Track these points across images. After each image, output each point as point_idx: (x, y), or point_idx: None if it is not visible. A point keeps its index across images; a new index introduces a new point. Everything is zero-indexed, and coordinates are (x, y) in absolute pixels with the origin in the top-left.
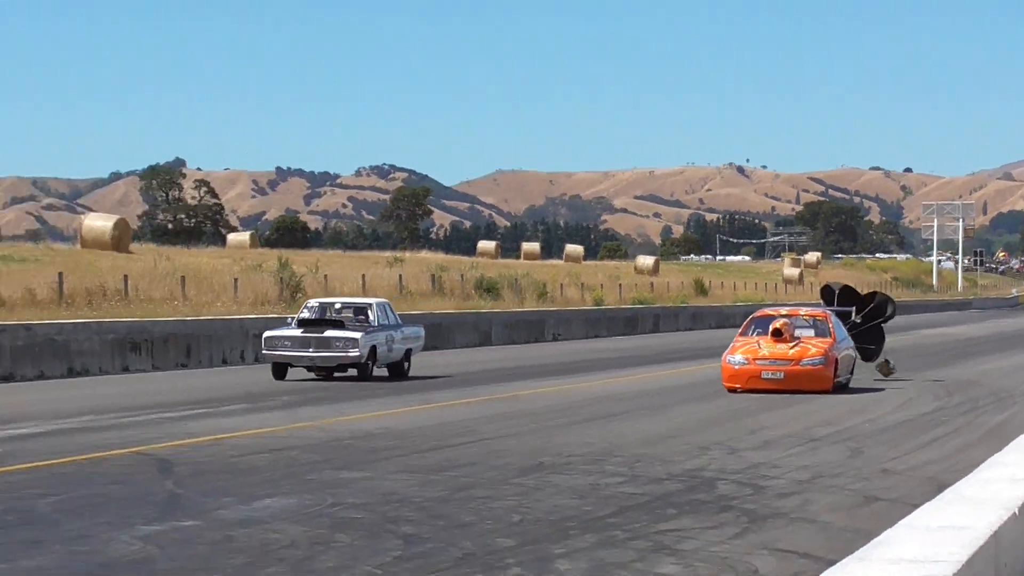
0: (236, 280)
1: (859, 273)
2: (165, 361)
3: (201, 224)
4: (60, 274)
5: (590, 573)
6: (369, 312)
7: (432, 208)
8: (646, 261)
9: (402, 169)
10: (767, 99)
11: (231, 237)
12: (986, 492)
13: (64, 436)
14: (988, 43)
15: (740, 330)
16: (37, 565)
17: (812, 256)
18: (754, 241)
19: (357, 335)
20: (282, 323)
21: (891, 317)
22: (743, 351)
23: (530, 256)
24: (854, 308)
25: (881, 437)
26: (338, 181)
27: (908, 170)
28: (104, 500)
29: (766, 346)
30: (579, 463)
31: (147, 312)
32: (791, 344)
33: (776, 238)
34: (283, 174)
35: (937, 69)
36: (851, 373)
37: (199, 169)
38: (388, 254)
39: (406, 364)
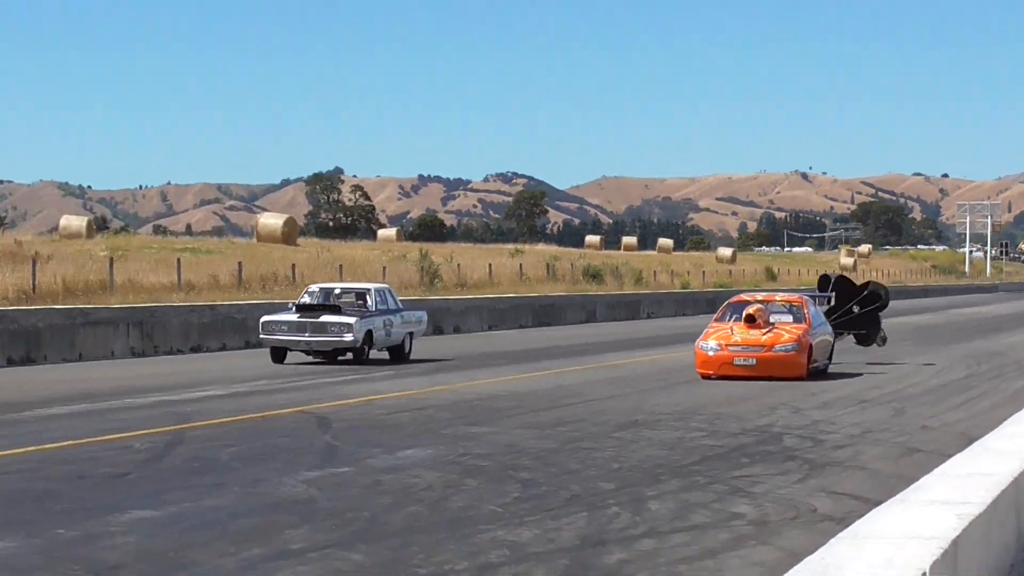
0: (384, 268)
1: (903, 262)
2: None
3: (356, 222)
4: (239, 263)
5: (676, 512)
6: (368, 297)
7: (547, 208)
8: (725, 252)
9: (522, 175)
10: (827, 115)
11: (381, 232)
12: (1009, 445)
13: (242, 398)
14: (1018, 64)
15: (716, 315)
16: (218, 504)
17: (864, 248)
18: (815, 235)
19: (352, 320)
20: (284, 308)
21: (884, 305)
22: (716, 337)
23: (628, 248)
24: (833, 294)
25: (920, 399)
26: (469, 186)
27: (945, 175)
28: (274, 450)
29: (739, 332)
30: (668, 420)
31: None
32: (764, 330)
33: (834, 233)
34: (424, 180)
35: (971, 87)
36: (829, 359)
37: (355, 176)
38: (511, 246)
39: (407, 347)
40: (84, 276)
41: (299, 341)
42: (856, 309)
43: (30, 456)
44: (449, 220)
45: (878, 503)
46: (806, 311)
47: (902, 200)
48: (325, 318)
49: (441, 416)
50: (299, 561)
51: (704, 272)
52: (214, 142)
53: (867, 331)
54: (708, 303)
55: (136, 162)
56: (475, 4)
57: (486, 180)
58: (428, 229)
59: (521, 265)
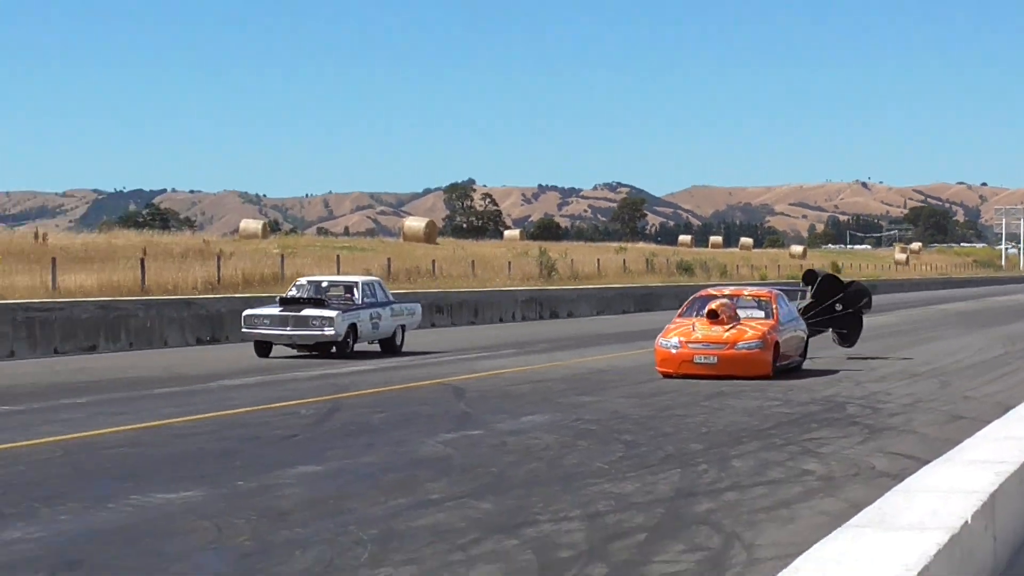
0: (509, 263)
1: (948, 257)
2: (460, 319)
3: (486, 224)
4: (388, 259)
5: (755, 469)
6: (355, 290)
7: (646, 212)
8: (797, 249)
9: (625, 184)
10: (884, 131)
11: (507, 233)
12: None
13: (389, 371)
14: None
15: (679, 311)
16: (370, 461)
17: (915, 245)
18: (873, 235)
19: (333, 314)
20: (270, 302)
21: (866, 306)
22: (677, 333)
23: (715, 246)
24: (809, 288)
25: (963, 373)
26: (580, 193)
27: (984, 184)
28: (416, 416)
29: (701, 328)
30: (749, 391)
31: (448, 285)
32: (727, 327)
33: (889, 233)
34: (542, 188)
35: (1010, 107)
36: (802, 356)
37: (484, 185)
38: (615, 245)
39: (398, 339)
40: (260, 270)
41: (281, 335)
42: (838, 307)
43: (214, 420)
44: (564, 223)
45: (927, 462)
46: (775, 306)
47: (947, 205)
48: (307, 312)
49: (557, 387)
50: (438, 509)
51: (779, 266)
52: (368, 157)
53: (848, 331)
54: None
55: (303, 174)
56: (584, 34)
57: (595, 189)
58: (546, 230)
59: (624, 260)
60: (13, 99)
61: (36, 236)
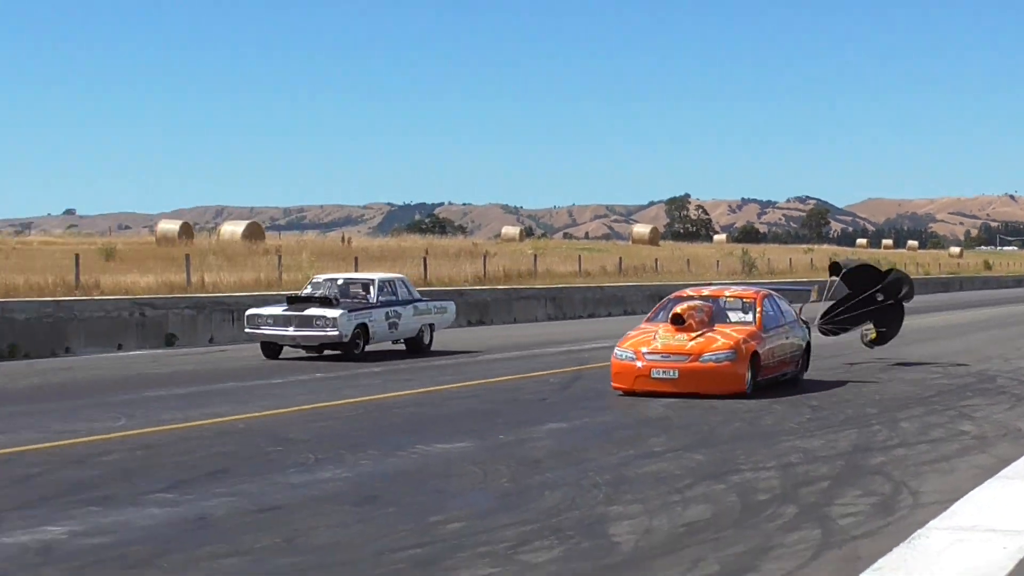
0: (717, 261)
1: None
2: None
3: (698, 230)
4: (620, 258)
5: (920, 429)
6: (371, 288)
7: (829, 220)
8: (955, 250)
9: (812, 197)
10: None
11: (715, 237)
12: None
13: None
14: None
15: (649, 314)
16: (604, 420)
17: None
18: (1020, 238)
19: (337, 314)
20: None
21: (907, 296)
22: (634, 342)
23: (887, 247)
24: (834, 280)
25: None
26: (776, 205)
27: None
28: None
29: (663, 337)
30: (915, 366)
31: (667, 279)
32: (694, 334)
33: None
34: (744, 201)
35: None
36: (800, 366)
37: (697, 198)
38: (804, 247)
39: (426, 339)
40: (517, 266)
41: (284, 335)
42: (880, 298)
43: (481, 387)
44: (762, 228)
45: None
46: (759, 309)
47: None
48: (311, 311)
49: None
50: (660, 459)
51: (940, 264)
52: (605, 174)
53: (888, 327)
54: (942, 285)
55: (552, 189)
56: (785, 62)
57: (787, 201)
58: (747, 235)
59: (811, 259)
60: (331, 128)
61: (343, 240)
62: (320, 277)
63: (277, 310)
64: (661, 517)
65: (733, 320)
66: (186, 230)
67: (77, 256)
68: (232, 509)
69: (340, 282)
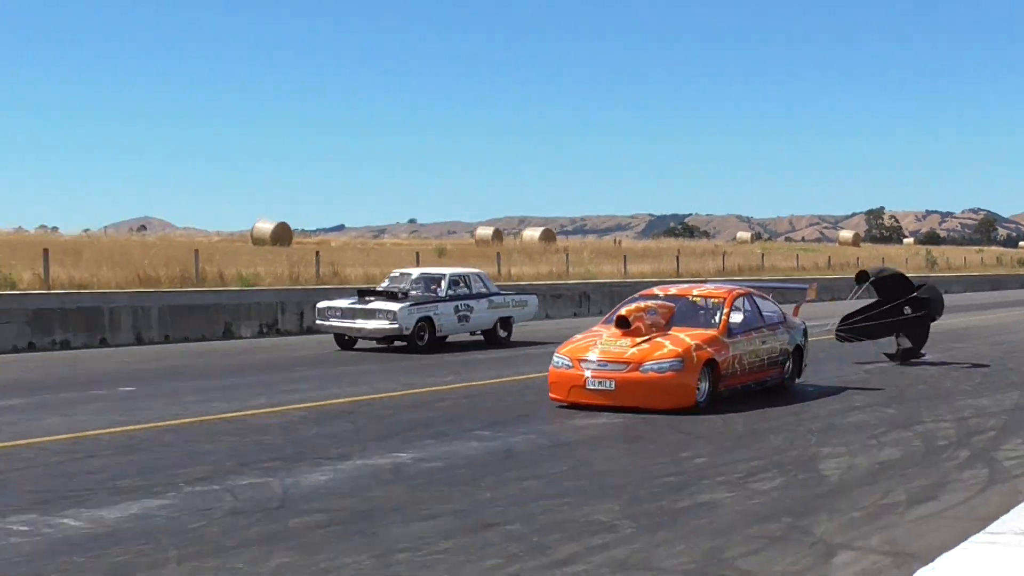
0: (906, 260)
1: None
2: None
3: (892, 235)
4: (828, 257)
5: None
6: (441, 283)
7: (997, 227)
8: None
9: (983, 208)
10: None
11: (905, 241)
12: None
13: None
14: None
15: (605, 316)
16: (816, 382)
17: None
18: None
19: (397, 307)
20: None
21: (937, 311)
22: (573, 347)
23: None
24: (858, 287)
25: None
26: (954, 215)
27: None
28: (849, 355)
29: (604, 342)
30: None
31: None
32: (640, 340)
33: None
34: (928, 212)
35: None
36: (782, 371)
37: (892, 210)
38: (976, 248)
39: (502, 331)
40: (748, 263)
41: (351, 327)
42: (907, 310)
43: None
44: (943, 233)
45: None
46: (726, 311)
47: None
48: (374, 304)
49: (935, 337)
50: (860, 412)
51: None
52: (816, 188)
53: (914, 344)
54: None
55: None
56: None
57: (962, 212)
58: (931, 239)
59: (982, 258)
60: (606, 151)
61: (614, 242)
62: (397, 271)
63: (345, 303)
64: (861, 457)
65: (703, 323)
66: (497, 235)
67: (417, 254)
68: (532, 444)
69: (414, 277)
